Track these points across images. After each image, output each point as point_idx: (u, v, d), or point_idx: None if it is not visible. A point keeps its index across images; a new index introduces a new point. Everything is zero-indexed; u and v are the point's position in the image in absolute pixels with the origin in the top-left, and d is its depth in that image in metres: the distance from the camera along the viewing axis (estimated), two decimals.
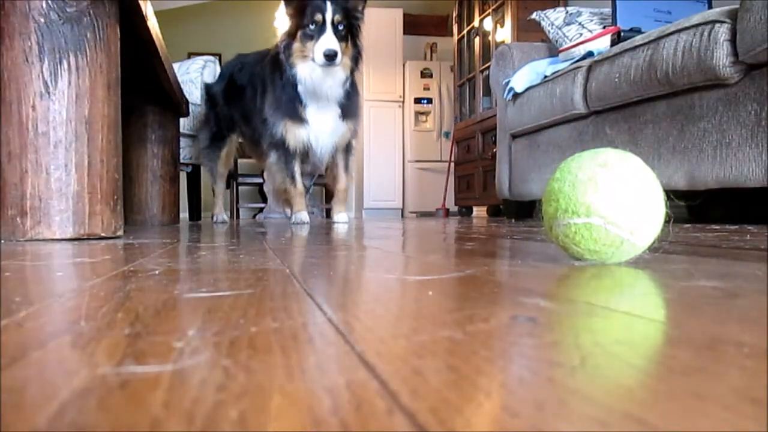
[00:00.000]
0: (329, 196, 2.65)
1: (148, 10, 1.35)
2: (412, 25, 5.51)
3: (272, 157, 2.28)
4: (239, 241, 1.00)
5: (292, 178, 2.23)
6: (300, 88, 2.09)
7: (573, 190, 0.50)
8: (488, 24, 4.16)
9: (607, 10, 2.45)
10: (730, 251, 0.68)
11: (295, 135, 2.15)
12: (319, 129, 2.16)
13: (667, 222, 0.52)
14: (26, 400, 0.17)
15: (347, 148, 2.34)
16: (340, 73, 2.09)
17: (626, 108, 1.86)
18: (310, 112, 2.14)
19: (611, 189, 0.49)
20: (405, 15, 5.37)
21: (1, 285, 0.41)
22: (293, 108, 2.13)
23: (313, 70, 2.04)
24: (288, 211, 2.53)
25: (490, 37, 4.13)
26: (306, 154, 2.27)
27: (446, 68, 5.37)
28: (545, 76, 2.33)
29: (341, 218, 2.32)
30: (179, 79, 2.65)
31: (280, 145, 2.19)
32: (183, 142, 2.71)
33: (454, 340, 0.23)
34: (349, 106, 2.23)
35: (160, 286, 0.40)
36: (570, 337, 0.25)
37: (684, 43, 1.56)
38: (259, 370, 0.20)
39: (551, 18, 2.59)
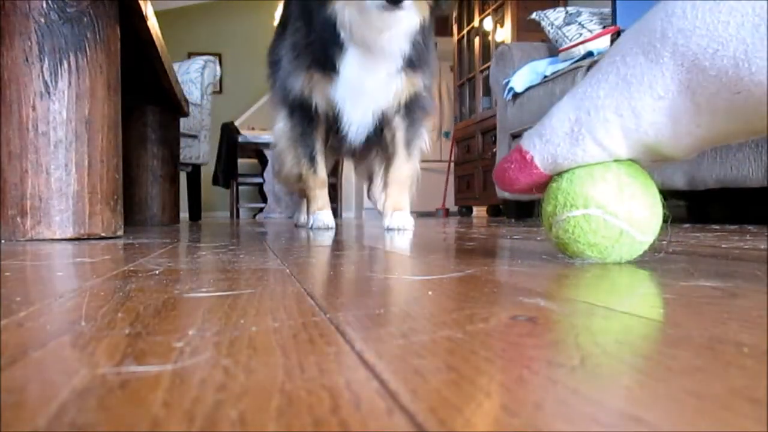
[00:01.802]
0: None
1: (148, 10, 1.35)
2: None
3: (281, 125, 1.54)
4: (239, 241, 1.00)
5: (311, 159, 1.50)
6: (342, 33, 1.34)
7: (570, 185, 0.51)
8: (488, 24, 4.16)
9: (607, 10, 2.45)
10: (730, 251, 0.68)
11: (322, 92, 1.42)
12: (356, 86, 1.39)
13: (665, 221, 0.52)
14: (26, 400, 0.17)
15: (412, 111, 1.48)
16: (410, 18, 1.30)
17: None
18: (349, 60, 1.37)
19: (609, 180, 0.49)
20: None
21: (1, 285, 0.41)
22: (323, 51, 1.37)
23: (364, 12, 1.27)
24: (299, 213, 1.80)
25: (490, 37, 4.13)
26: (333, 123, 1.48)
27: (446, 68, 5.37)
28: (545, 76, 2.33)
29: (399, 221, 1.43)
30: (179, 79, 2.65)
31: (297, 107, 1.47)
32: (183, 142, 2.72)
33: (454, 340, 0.23)
34: (416, 55, 1.39)
35: (160, 286, 0.40)
36: (570, 337, 0.25)
37: None
38: (259, 370, 0.20)
39: (551, 18, 2.59)
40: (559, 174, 0.53)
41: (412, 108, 1.47)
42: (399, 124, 1.48)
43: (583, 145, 0.49)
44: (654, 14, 0.46)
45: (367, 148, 1.57)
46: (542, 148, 0.52)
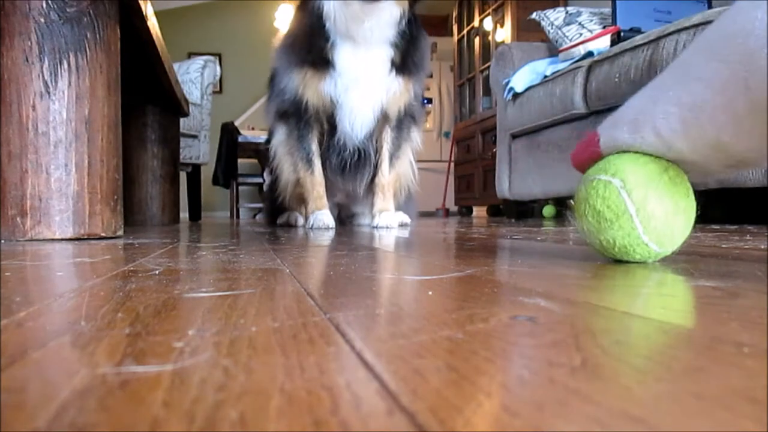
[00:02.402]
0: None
1: (148, 10, 1.35)
2: None
3: (279, 135, 1.58)
4: (239, 241, 1.00)
5: (308, 161, 1.53)
6: (327, 24, 1.41)
7: (618, 158, 0.52)
8: (488, 24, 4.16)
9: (607, 10, 2.45)
10: (730, 251, 0.68)
11: (316, 89, 1.44)
12: (353, 79, 1.43)
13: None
14: (26, 400, 0.17)
15: (401, 121, 1.56)
16: (390, 9, 1.38)
17: None
18: (342, 53, 1.42)
19: (648, 170, 0.50)
20: None
21: (1, 285, 0.41)
22: (314, 47, 1.42)
23: (348, 3, 1.37)
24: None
25: (490, 37, 4.13)
26: (332, 124, 1.51)
27: (446, 68, 5.37)
28: (545, 76, 2.33)
29: (383, 220, 1.52)
30: (179, 79, 2.65)
31: (293, 113, 1.50)
32: (183, 142, 2.72)
33: (454, 340, 0.23)
34: (409, 51, 1.46)
35: (160, 286, 0.40)
36: (570, 337, 0.25)
37: (684, 43, 1.56)
38: (259, 370, 0.20)
39: (551, 18, 2.59)
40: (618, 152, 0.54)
41: (401, 119, 1.57)
42: (386, 137, 1.58)
43: (642, 132, 0.51)
44: (725, 14, 0.46)
45: (362, 165, 1.62)
46: (608, 131, 0.54)
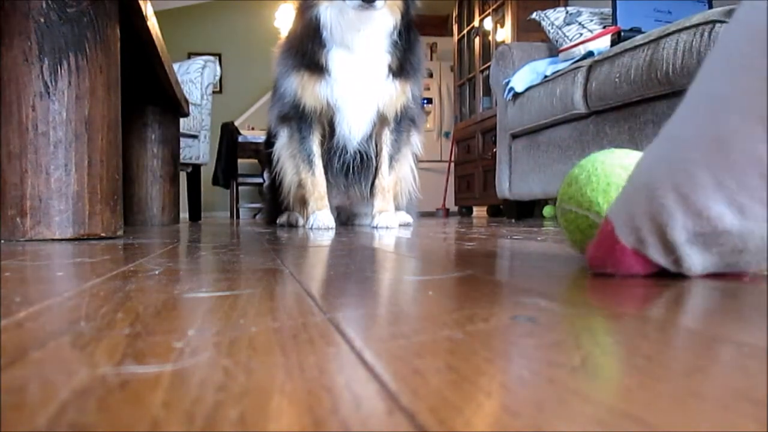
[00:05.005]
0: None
1: (148, 10, 1.35)
2: None
3: (282, 139, 1.62)
4: (239, 241, 1.00)
5: (309, 162, 1.55)
6: (324, 33, 1.46)
7: (586, 182, 0.50)
8: (488, 24, 4.16)
9: (607, 10, 2.45)
10: None
11: (313, 92, 1.48)
12: (349, 83, 1.47)
13: None
14: (26, 400, 0.17)
15: (399, 123, 1.59)
16: (384, 18, 1.44)
17: (626, 108, 1.86)
18: (338, 59, 1.47)
19: (620, 191, 0.49)
20: None
21: (1, 285, 0.41)
22: (310, 52, 1.47)
23: (342, 12, 1.41)
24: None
25: (490, 37, 4.13)
26: (332, 127, 1.56)
27: (446, 68, 5.37)
28: (545, 76, 2.33)
29: (383, 221, 1.54)
30: (179, 79, 2.65)
31: (293, 116, 1.54)
32: (183, 142, 2.71)
33: (454, 340, 0.23)
34: (405, 55, 1.51)
35: (160, 286, 0.40)
36: (570, 337, 0.25)
37: (684, 43, 1.56)
38: (259, 370, 0.19)
39: (551, 18, 2.58)
40: (586, 162, 0.51)
41: (400, 122, 1.60)
42: (386, 139, 1.61)
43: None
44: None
45: (363, 167, 1.65)
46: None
